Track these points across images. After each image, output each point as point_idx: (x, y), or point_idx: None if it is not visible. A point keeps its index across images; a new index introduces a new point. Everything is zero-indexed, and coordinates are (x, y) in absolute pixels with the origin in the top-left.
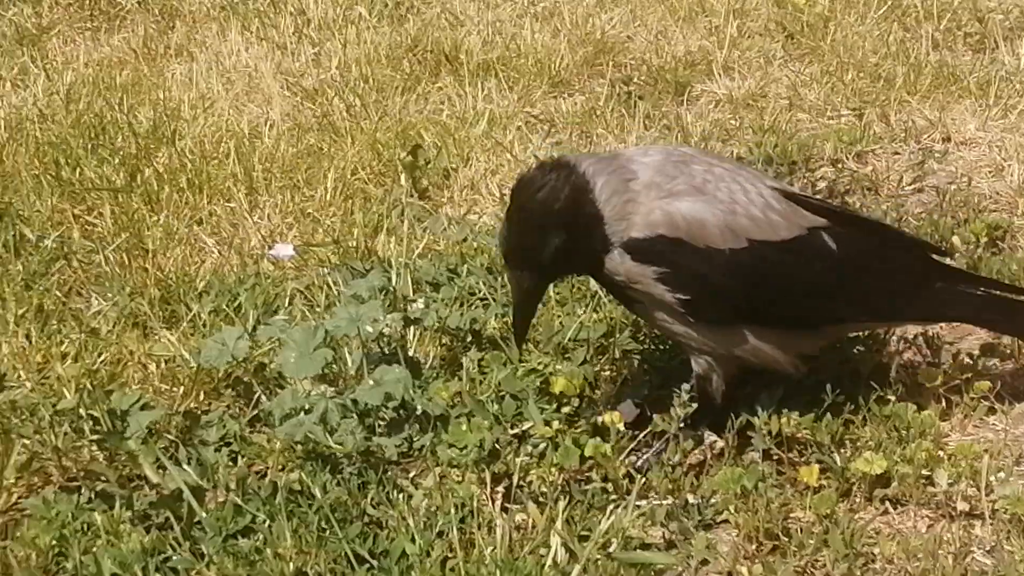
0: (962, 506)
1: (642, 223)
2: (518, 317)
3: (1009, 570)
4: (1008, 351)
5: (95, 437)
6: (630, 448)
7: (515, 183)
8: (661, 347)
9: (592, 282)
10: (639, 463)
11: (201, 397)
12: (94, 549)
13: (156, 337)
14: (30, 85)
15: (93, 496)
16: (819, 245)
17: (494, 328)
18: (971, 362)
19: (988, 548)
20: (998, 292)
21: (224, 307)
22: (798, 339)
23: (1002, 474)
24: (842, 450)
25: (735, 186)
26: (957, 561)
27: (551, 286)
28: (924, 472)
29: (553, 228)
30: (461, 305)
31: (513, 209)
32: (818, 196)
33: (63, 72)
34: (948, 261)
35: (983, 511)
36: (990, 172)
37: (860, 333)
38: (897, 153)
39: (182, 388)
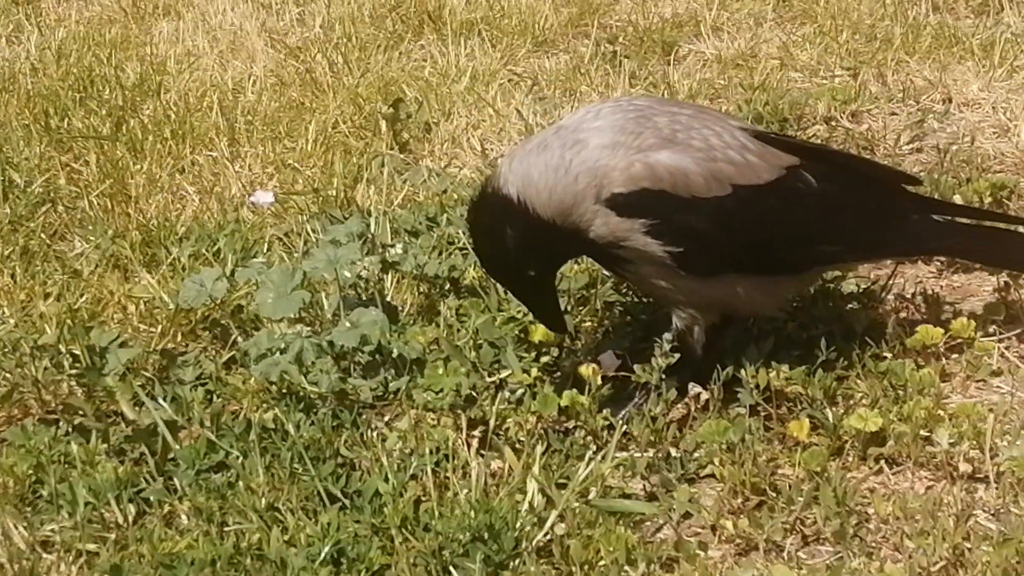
0: (964, 468)
1: (622, 179)
2: (539, 314)
3: (1017, 533)
4: (1014, 312)
5: (74, 372)
6: (611, 399)
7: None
8: (644, 299)
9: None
10: (620, 414)
11: (179, 338)
12: (70, 478)
13: (136, 279)
14: (24, 41)
15: (71, 429)
16: (800, 185)
17: (473, 277)
18: (974, 321)
19: (993, 511)
20: (977, 221)
21: (203, 251)
22: (785, 283)
23: (1009, 437)
24: (835, 407)
25: (707, 131)
26: (959, 523)
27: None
28: (923, 432)
29: (501, 236)
30: (440, 254)
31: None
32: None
33: (56, 29)
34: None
35: (987, 473)
36: (994, 133)
37: (854, 288)
38: (894, 113)
39: (160, 328)
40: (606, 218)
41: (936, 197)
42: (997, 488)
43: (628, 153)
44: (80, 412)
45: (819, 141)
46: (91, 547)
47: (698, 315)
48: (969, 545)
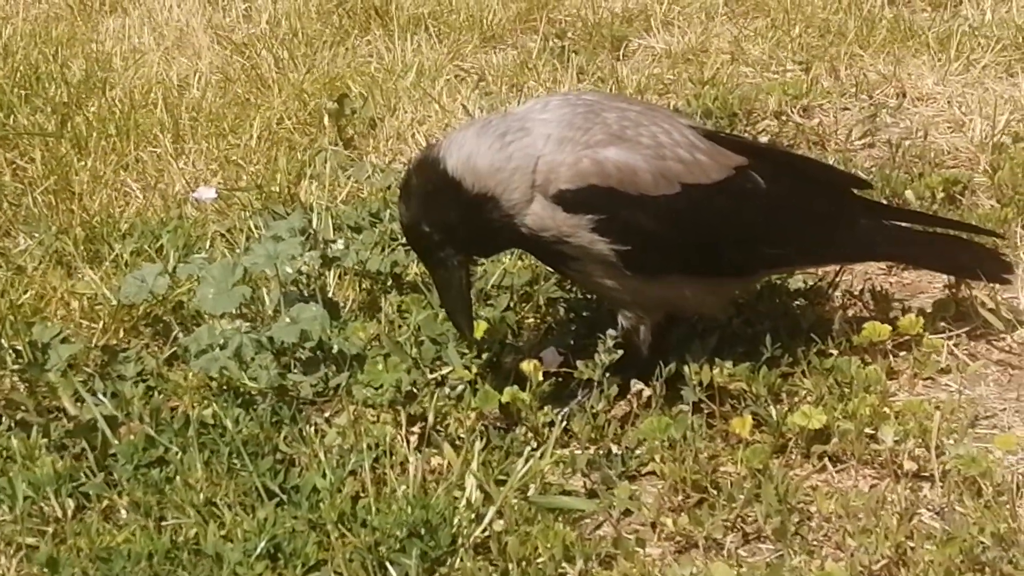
0: (909, 466)
1: (570, 174)
2: (447, 305)
3: (961, 532)
4: (964, 309)
5: (16, 368)
6: (552, 395)
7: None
8: (587, 296)
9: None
10: (560, 410)
11: (121, 334)
12: (10, 473)
13: (79, 275)
14: None
15: (12, 424)
16: (749, 185)
17: (415, 273)
18: (922, 318)
19: (937, 510)
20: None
21: (146, 247)
22: (731, 284)
23: (955, 435)
24: (779, 404)
25: (656, 128)
26: (902, 521)
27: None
28: (868, 430)
29: (427, 205)
30: (383, 250)
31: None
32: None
33: (2, 26)
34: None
35: (932, 472)
36: (949, 127)
37: (801, 285)
38: (847, 108)
39: (102, 324)
40: (552, 213)
41: (887, 201)
42: (942, 487)
43: (576, 148)
44: (22, 407)
45: (769, 136)
46: (30, 540)
47: (644, 314)
48: (912, 544)
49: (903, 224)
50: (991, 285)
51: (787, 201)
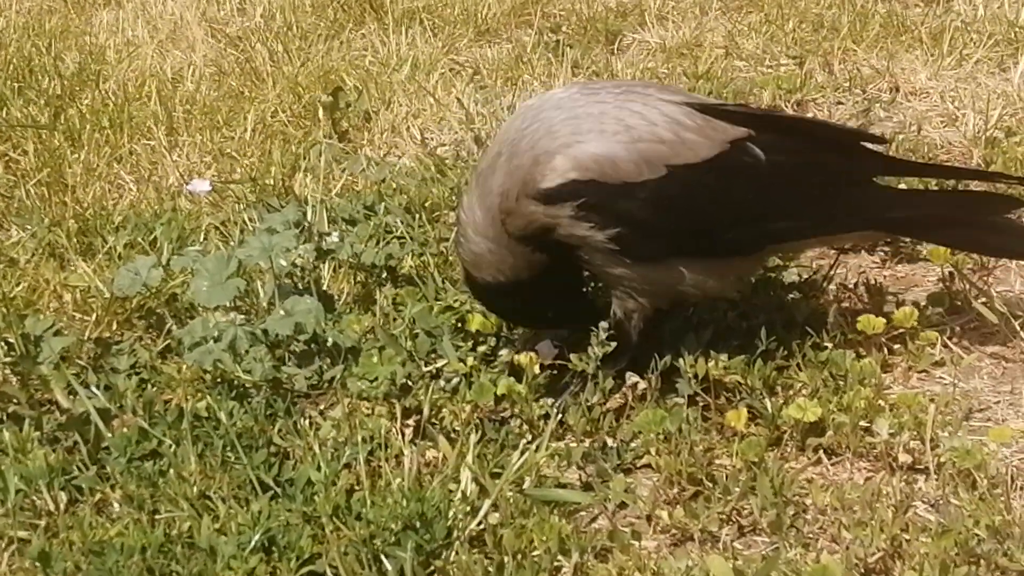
0: (904, 458)
1: (549, 173)
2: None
3: (955, 524)
4: (958, 302)
5: (8, 360)
6: (547, 388)
7: None
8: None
9: None
10: (555, 403)
11: (114, 326)
12: (2, 466)
13: (72, 268)
14: None
15: (4, 417)
16: (746, 159)
17: (410, 266)
18: (917, 311)
19: (932, 502)
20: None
21: (140, 240)
22: (736, 264)
23: (950, 427)
24: (774, 396)
25: (624, 113)
26: (897, 514)
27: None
28: (863, 422)
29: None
30: (377, 242)
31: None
32: (740, 103)
33: None
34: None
35: (927, 464)
36: (942, 121)
37: (796, 277)
38: (840, 102)
39: (95, 316)
40: (537, 212)
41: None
42: (937, 479)
43: (551, 147)
44: (14, 400)
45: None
46: (22, 534)
47: (644, 301)
48: (907, 536)
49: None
50: (984, 278)
51: (790, 171)
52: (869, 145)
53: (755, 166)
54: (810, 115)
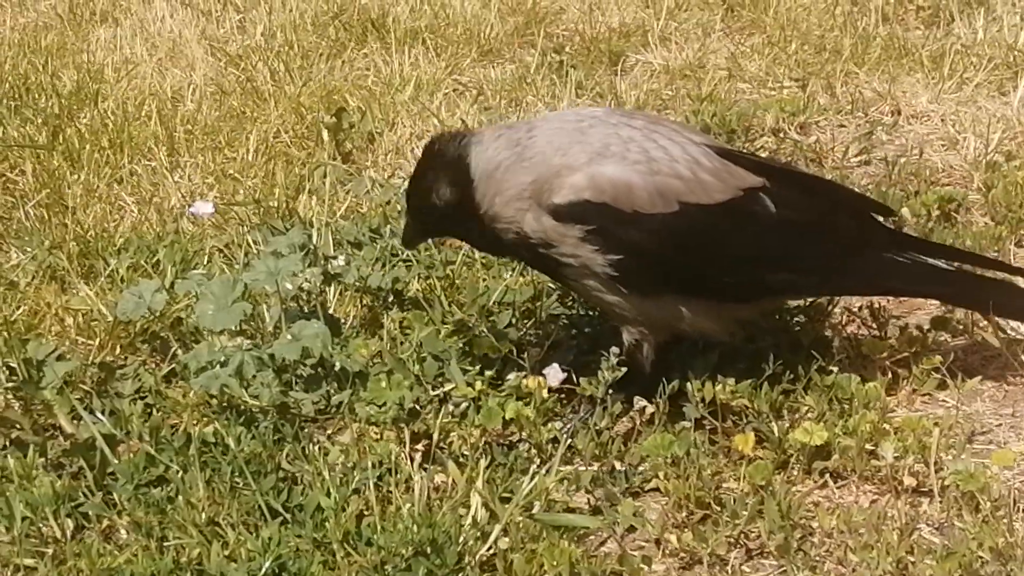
0: (909, 481)
1: (565, 188)
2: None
3: (960, 546)
4: (960, 326)
5: (11, 385)
6: (556, 413)
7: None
8: (590, 312)
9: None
10: (564, 427)
11: (117, 350)
12: (7, 493)
13: (74, 291)
14: None
15: (8, 443)
16: (756, 208)
17: (416, 289)
18: (920, 335)
19: (936, 525)
20: (946, 263)
21: (142, 263)
22: (733, 308)
23: (954, 450)
24: (780, 420)
25: (650, 144)
26: (903, 537)
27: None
28: (868, 446)
29: (431, 197)
30: (383, 266)
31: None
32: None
33: None
34: (892, 223)
35: (932, 487)
36: (943, 145)
37: (801, 303)
38: (843, 125)
39: (98, 340)
40: (546, 224)
41: (913, 234)
42: (941, 502)
43: (572, 162)
44: (17, 426)
45: (782, 158)
46: (28, 562)
47: (646, 332)
48: (913, 559)
49: (927, 259)
50: None
51: (798, 227)
52: (879, 217)
53: (765, 217)
54: (812, 139)
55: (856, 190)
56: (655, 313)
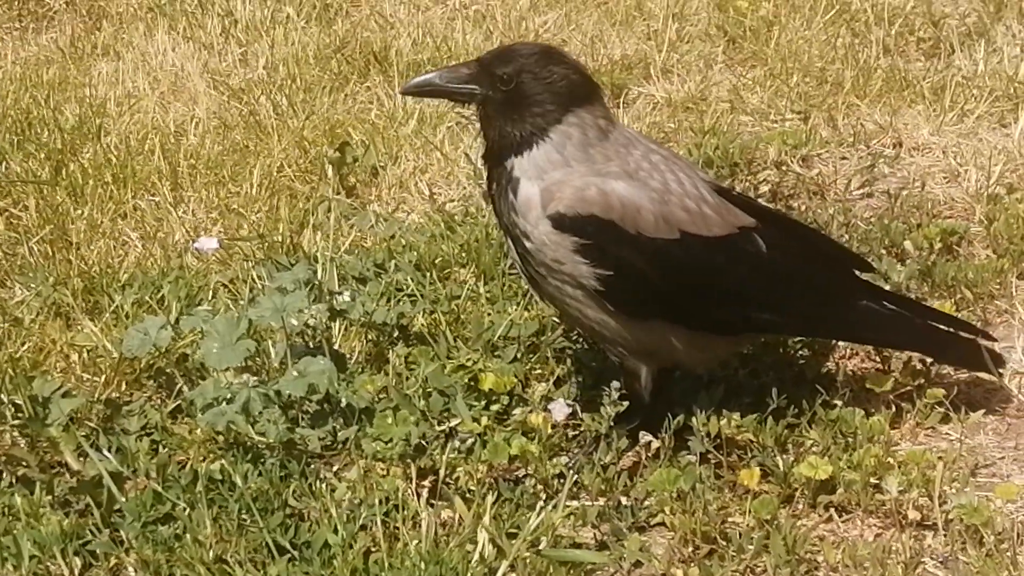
0: (913, 515)
1: (574, 198)
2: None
3: None
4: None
5: (16, 422)
6: (561, 448)
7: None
8: (595, 347)
9: (523, 281)
10: (570, 462)
11: (123, 387)
12: (14, 531)
13: (79, 327)
14: None
15: (14, 480)
16: (749, 246)
17: (422, 324)
18: (923, 369)
19: (941, 559)
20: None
21: (147, 299)
22: (716, 341)
23: (957, 484)
24: (785, 454)
25: (670, 176)
26: (907, 571)
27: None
28: (872, 479)
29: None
30: (388, 300)
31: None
32: (748, 195)
33: None
34: (870, 277)
35: (936, 521)
36: (944, 177)
37: (781, 340)
38: (845, 158)
39: (104, 377)
40: (548, 230)
41: (888, 289)
42: (945, 535)
43: (587, 174)
44: (23, 463)
45: (770, 186)
46: None
47: (640, 361)
48: None
49: (901, 311)
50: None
51: (785, 269)
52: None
53: (756, 255)
54: (814, 172)
55: (838, 242)
56: (639, 337)
